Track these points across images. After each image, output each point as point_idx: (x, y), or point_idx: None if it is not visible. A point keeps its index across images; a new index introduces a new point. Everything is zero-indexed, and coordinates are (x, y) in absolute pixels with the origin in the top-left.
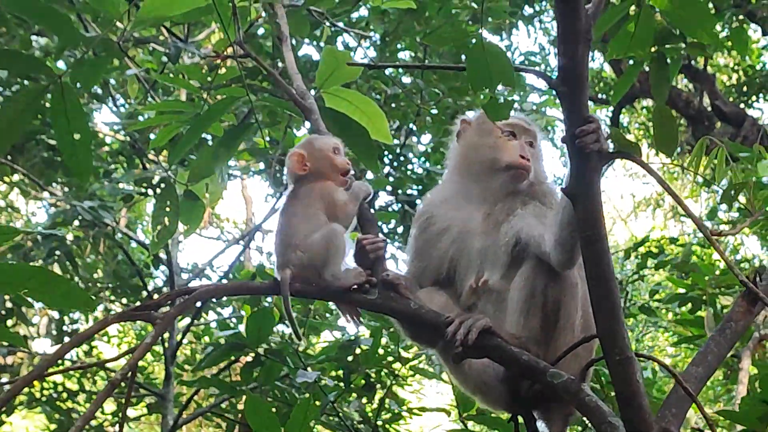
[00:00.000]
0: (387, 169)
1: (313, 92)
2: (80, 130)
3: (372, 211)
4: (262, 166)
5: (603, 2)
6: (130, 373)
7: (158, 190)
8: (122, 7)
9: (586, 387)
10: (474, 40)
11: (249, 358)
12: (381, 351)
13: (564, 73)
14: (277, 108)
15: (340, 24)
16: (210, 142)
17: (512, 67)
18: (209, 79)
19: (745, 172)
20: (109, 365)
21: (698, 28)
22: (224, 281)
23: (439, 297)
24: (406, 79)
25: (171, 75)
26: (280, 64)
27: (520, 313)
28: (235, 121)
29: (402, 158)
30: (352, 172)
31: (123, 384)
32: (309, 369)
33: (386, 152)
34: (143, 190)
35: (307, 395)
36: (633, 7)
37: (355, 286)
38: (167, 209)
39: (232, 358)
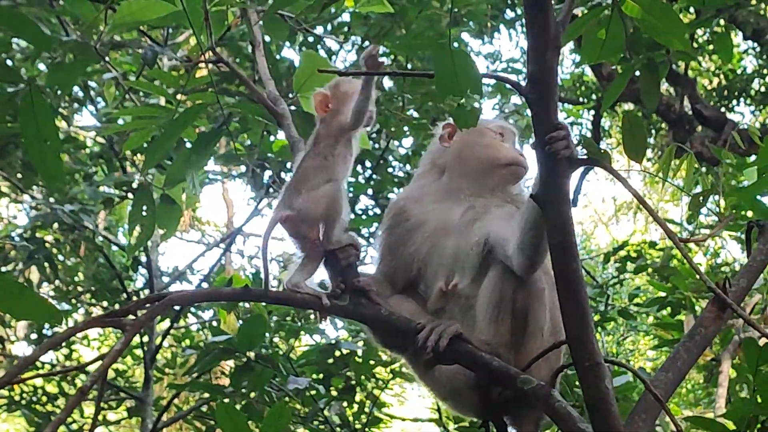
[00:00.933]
0: (368, 173)
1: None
2: (50, 136)
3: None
4: (243, 169)
5: (572, 9)
6: (100, 379)
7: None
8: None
9: (556, 393)
10: (444, 47)
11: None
12: (361, 353)
13: (533, 79)
14: (248, 114)
15: (318, 29)
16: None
17: (480, 75)
18: (182, 84)
19: (726, 176)
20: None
21: (670, 35)
22: (204, 285)
23: (409, 304)
24: (388, 83)
25: (145, 80)
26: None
27: (489, 320)
28: (207, 126)
29: (383, 162)
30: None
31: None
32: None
33: (367, 156)
34: (123, 194)
35: (286, 399)
36: (604, 14)
37: (346, 247)
38: (143, 213)
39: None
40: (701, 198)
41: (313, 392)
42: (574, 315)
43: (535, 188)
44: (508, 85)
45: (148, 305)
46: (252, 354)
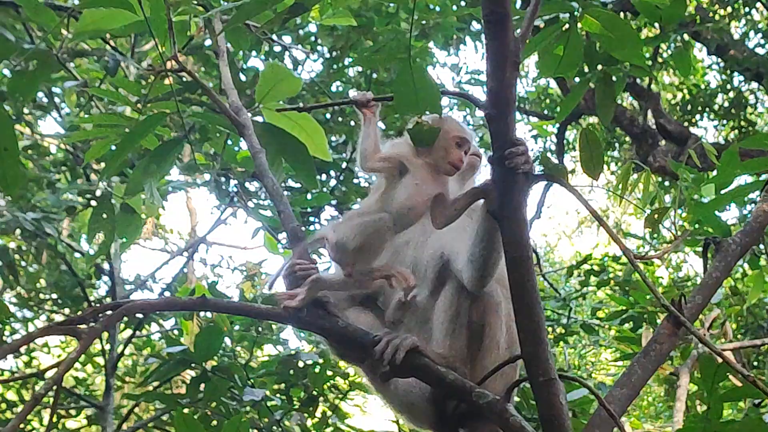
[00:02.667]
0: (333, 183)
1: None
2: (8, 143)
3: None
4: (208, 177)
5: (532, 25)
6: (55, 386)
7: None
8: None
9: (510, 407)
10: (404, 64)
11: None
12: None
13: (492, 95)
14: (209, 123)
15: (285, 39)
16: None
17: (440, 93)
18: (144, 92)
19: (688, 191)
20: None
21: (627, 50)
22: (166, 294)
23: (366, 316)
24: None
25: (112, 88)
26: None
27: (445, 333)
28: (170, 136)
29: (348, 172)
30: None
31: (62, 395)
32: (250, 382)
33: (332, 167)
34: (87, 202)
35: (247, 410)
36: (562, 29)
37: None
38: (103, 222)
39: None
40: (656, 215)
41: (271, 403)
42: (530, 330)
43: (492, 203)
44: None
45: (105, 313)
46: (213, 364)
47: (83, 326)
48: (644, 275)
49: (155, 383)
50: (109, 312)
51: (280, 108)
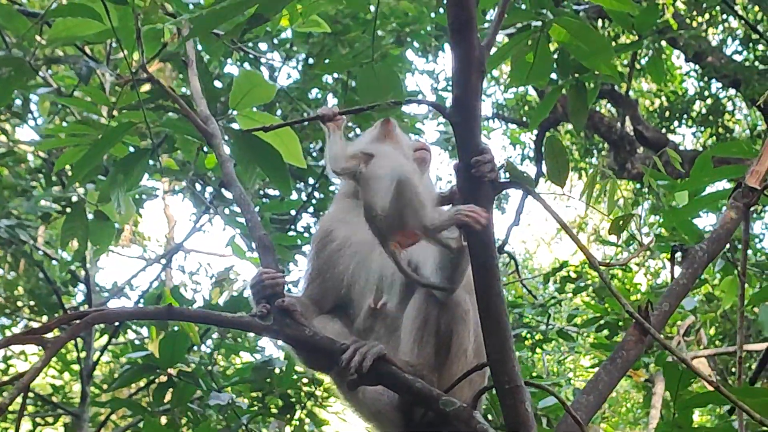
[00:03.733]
0: (309, 190)
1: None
2: None
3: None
4: (184, 184)
5: (497, 33)
6: (21, 395)
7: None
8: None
9: (477, 414)
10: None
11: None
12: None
13: (457, 103)
14: (178, 132)
15: (260, 46)
16: None
17: (404, 94)
18: (114, 101)
19: (666, 197)
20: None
21: (596, 58)
22: (143, 301)
23: (334, 324)
24: (333, 100)
25: (81, 95)
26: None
27: (413, 341)
28: (140, 144)
29: (324, 179)
30: None
31: (39, 403)
32: (227, 390)
33: (309, 174)
34: (62, 209)
35: (214, 416)
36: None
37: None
38: (76, 229)
39: (151, 377)
40: (621, 221)
41: (247, 410)
42: (496, 336)
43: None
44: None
45: (74, 321)
46: (174, 370)
47: (49, 335)
48: (608, 282)
49: (131, 390)
50: (76, 321)
51: (249, 129)
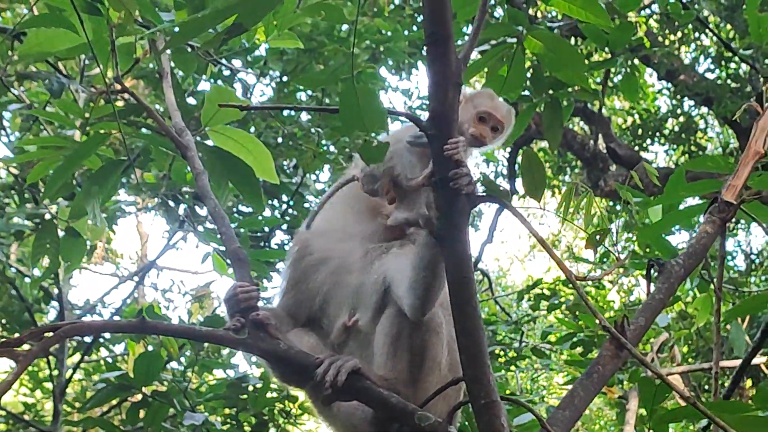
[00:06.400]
0: (284, 207)
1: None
2: None
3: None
4: (156, 201)
5: (474, 47)
6: None
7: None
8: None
9: (453, 429)
10: (348, 83)
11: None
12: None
13: (434, 116)
14: (152, 145)
15: (234, 62)
16: None
17: (385, 110)
18: (87, 115)
19: (639, 214)
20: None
21: (571, 72)
22: (115, 318)
23: (308, 338)
24: (305, 117)
25: (54, 110)
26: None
27: (387, 355)
28: (114, 157)
29: (299, 196)
30: None
31: (10, 421)
32: (201, 407)
33: (283, 190)
34: (35, 226)
35: None
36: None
37: None
38: (47, 246)
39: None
40: (597, 236)
41: (220, 428)
42: (471, 352)
43: (434, 224)
44: None
45: (47, 334)
46: (153, 388)
47: (21, 349)
48: (584, 296)
49: (103, 409)
50: (48, 334)
51: (250, 107)
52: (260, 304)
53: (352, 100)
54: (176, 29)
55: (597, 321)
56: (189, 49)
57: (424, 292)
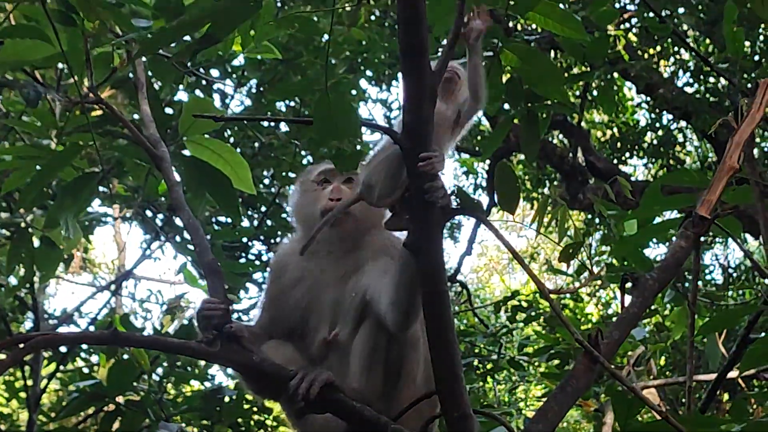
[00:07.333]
0: (260, 218)
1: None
2: None
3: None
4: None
5: (449, 59)
6: None
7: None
8: None
9: None
10: (321, 94)
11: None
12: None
13: (408, 129)
14: (127, 156)
15: (212, 72)
16: None
17: (359, 121)
18: (62, 124)
19: (617, 227)
20: None
21: (547, 85)
22: (91, 328)
23: (285, 349)
24: (284, 127)
25: (30, 120)
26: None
27: (362, 369)
28: (88, 168)
29: (275, 207)
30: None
31: None
32: (176, 418)
33: (260, 201)
34: (9, 234)
35: None
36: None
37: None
38: (22, 255)
39: (100, 406)
40: (571, 249)
41: None
42: (445, 365)
43: (406, 237)
44: None
45: (19, 345)
46: (122, 399)
47: None
48: (558, 309)
49: (78, 418)
50: (21, 345)
51: (223, 117)
52: (234, 316)
53: (326, 110)
54: (148, 39)
55: (570, 334)
56: (165, 59)
57: (407, 309)
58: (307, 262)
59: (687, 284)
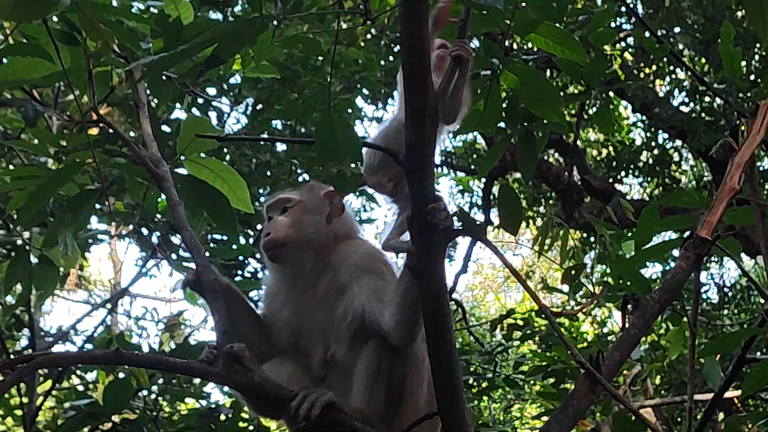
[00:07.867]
0: (256, 235)
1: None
2: None
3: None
4: (130, 228)
5: (451, 80)
6: None
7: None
8: None
9: None
10: (324, 114)
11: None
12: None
13: (411, 150)
14: (128, 175)
15: (209, 91)
16: None
17: (360, 142)
18: (63, 143)
19: (613, 247)
20: None
21: (546, 106)
22: (88, 346)
23: (287, 367)
24: (281, 146)
25: (27, 138)
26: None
27: (365, 389)
28: (90, 184)
29: None
30: None
31: None
32: None
33: (255, 219)
34: (7, 253)
35: None
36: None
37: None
38: (20, 274)
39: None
40: (573, 271)
41: None
42: (446, 385)
43: (408, 258)
44: None
45: (19, 365)
46: (118, 418)
47: None
48: (559, 331)
49: None
50: (21, 365)
51: (223, 137)
52: None
53: (329, 131)
54: (154, 62)
55: (571, 355)
56: (165, 79)
57: (414, 326)
58: (290, 287)
59: (686, 304)
